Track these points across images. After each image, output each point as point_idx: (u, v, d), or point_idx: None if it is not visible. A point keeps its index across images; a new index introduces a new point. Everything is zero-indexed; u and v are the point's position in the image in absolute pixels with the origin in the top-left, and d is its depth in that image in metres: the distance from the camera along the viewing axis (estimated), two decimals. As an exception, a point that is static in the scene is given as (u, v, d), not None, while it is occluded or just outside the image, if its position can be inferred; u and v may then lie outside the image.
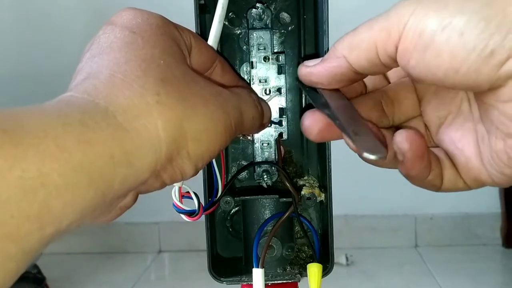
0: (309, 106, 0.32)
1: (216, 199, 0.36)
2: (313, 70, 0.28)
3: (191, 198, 0.33)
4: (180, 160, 0.24)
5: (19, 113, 0.19)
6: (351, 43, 0.26)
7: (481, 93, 0.24)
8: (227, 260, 0.39)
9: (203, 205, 0.34)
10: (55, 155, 0.19)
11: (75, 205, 0.19)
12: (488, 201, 1.69)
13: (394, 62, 0.25)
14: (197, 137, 0.24)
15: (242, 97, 0.29)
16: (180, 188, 0.33)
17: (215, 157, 0.27)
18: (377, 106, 0.30)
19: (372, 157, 0.23)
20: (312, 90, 0.29)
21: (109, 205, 0.22)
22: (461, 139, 0.28)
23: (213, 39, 0.33)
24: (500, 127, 0.23)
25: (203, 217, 0.36)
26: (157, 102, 0.23)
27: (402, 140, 0.25)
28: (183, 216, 0.34)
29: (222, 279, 0.36)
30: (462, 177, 0.27)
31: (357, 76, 0.27)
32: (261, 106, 0.32)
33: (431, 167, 0.27)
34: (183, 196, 0.33)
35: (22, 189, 0.18)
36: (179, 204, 0.33)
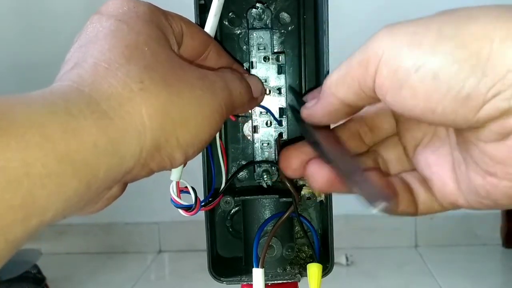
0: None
1: (220, 191, 0.36)
2: (312, 113, 0.28)
3: (189, 193, 0.33)
4: (169, 148, 0.24)
5: (3, 102, 0.19)
6: (336, 80, 0.26)
7: (461, 129, 0.24)
8: (227, 260, 0.39)
9: (201, 200, 0.34)
10: (40, 145, 0.19)
11: (59, 196, 0.19)
12: (488, 201, 1.68)
13: (374, 99, 0.25)
14: (185, 123, 0.24)
15: (227, 75, 0.29)
16: (178, 183, 0.33)
17: (208, 143, 0.27)
18: (355, 136, 0.30)
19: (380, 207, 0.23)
20: (304, 127, 0.30)
21: (95, 195, 0.22)
22: (436, 163, 0.27)
23: (208, 32, 0.33)
24: (480, 164, 0.23)
25: (203, 217, 0.36)
26: (141, 89, 0.23)
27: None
28: (180, 211, 0.34)
29: (222, 279, 0.36)
30: (438, 200, 0.27)
31: (354, 109, 0.27)
32: (246, 80, 0.31)
33: (398, 202, 0.27)
34: (181, 191, 0.33)
35: (6, 179, 0.17)
36: (176, 199, 0.33)
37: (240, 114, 0.39)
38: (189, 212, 0.33)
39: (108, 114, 0.21)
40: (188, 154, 0.25)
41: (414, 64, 0.22)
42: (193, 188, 0.33)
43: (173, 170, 0.32)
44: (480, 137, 0.22)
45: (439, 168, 0.27)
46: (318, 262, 0.35)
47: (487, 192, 0.23)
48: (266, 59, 0.38)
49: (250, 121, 0.39)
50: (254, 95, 0.32)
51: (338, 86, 0.26)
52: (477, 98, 0.20)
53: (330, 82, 0.26)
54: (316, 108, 0.28)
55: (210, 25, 0.33)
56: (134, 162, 0.23)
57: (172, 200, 0.33)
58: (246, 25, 0.38)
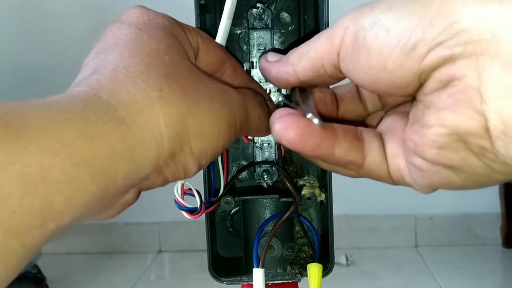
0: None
1: (217, 198, 0.36)
2: (267, 67, 0.30)
3: (193, 195, 0.33)
4: (183, 157, 0.24)
5: (20, 107, 0.19)
6: (301, 52, 0.27)
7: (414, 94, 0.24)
8: (227, 260, 0.39)
9: (205, 203, 0.34)
10: (57, 150, 0.19)
11: (77, 201, 0.19)
12: (488, 201, 1.69)
13: (339, 72, 0.26)
14: (200, 134, 0.24)
15: (247, 96, 0.29)
16: (183, 185, 0.33)
17: (218, 155, 0.27)
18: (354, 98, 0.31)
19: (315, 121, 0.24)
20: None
21: (110, 201, 0.22)
22: (395, 126, 0.28)
23: (221, 35, 0.32)
24: (419, 118, 0.24)
25: (203, 216, 0.36)
26: (159, 97, 0.23)
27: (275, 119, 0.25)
28: (184, 213, 0.33)
29: (222, 279, 0.36)
30: (388, 162, 0.27)
31: (303, 84, 0.29)
32: (269, 107, 0.32)
33: (335, 141, 0.26)
34: (185, 193, 0.33)
35: (24, 184, 0.18)
36: (180, 200, 0.33)
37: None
38: (194, 215, 0.33)
39: (126, 121, 0.22)
40: (201, 164, 0.25)
41: (370, 22, 0.23)
42: (198, 192, 0.33)
43: None
44: (424, 91, 0.23)
45: (396, 127, 0.27)
46: (318, 262, 0.35)
47: (415, 144, 0.24)
48: (266, 59, 0.38)
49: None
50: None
51: (300, 59, 0.27)
52: (422, 47, 0.21)
53: (294, 54, 0.28)
54: (271, 68, 0.29)
55: (223, 28, 0.32)
56: (152, 169, 0.23)
57: (176, 202, 0.33)
58: (246, 25, 0.38)
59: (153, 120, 0.22)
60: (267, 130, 0.32)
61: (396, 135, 0.27)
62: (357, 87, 0.32)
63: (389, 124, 0.28)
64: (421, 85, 0.23)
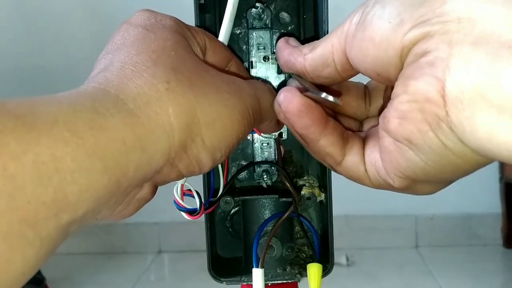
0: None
1: (216, 199, 0.36)
2: (283, 48, 0.31)
3: (192, 196, 0.33)
4: (195, 149, 0.24)
5: (31, 101, 0.20)
6: (315, 44, 0.28)
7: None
8: (227, 260, 0.39)
9: (204, 203, 0.34)
10: (68, 140, 0.19)
11: (90, 192, 0.19)
12: (489, 201, 1.69)
13: (346, 61, 0.27)
14: (211, 124, 0.24)
15: (257, 85, 0.30)
16: (182, 186, 0.33)
17: (234, 148, 0.27)
18: (360, 96, 0.33)
19: (330, 98, 0.26)
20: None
21: (125, 195, 0.22)
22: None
23: (223, 36, 0.33)
24: (392, 101, 0.24)
25: (202, 217, 0.36)
26: (167, 89, 0.23)
27: (280, 95, 0.28)
28: (183, 214, 0.33)
29: (222, 279, 0.36)
30: (365, 161, 0.28)
31: (305, 75, 0.30)
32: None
33: (323, 131, 0.28)
34: (184, 193, 0.33)
35: (37, 174, 0.18)
36: (180, 201, 0.33)
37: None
38: (193, 216, 0.33)
39: (135, 113, 0.22)
40: (215, 157, 0.25)
41: (374, 1, 0.24)
42: (197, 192, 0.33)
43: None
44: (404, 64, 0.24)
45: (377, 134, 0.28)
46: (318, 262, 0.35)
47: (383, 117, 0.24)
48: (266, 58, 0.38)
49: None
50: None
51: (312, 49, 0.28)
52: (408, 23, 0.22)
53: (309, 45, 0.29)
54: (286, 49, 0.31)
55: (225, 30, 0.33)
56: (164, 161, 0.23)
57: (176, 203, 0.33)
58: (246, 24, 0.38)
59: (162, 111, 0.23)
60: (277, 125, 0.33)
61: (376, 136, 0.28)
62: (366, 86, 0.32)
63: (375, 129, 0.29)
64: (402, 65, 0.23)
